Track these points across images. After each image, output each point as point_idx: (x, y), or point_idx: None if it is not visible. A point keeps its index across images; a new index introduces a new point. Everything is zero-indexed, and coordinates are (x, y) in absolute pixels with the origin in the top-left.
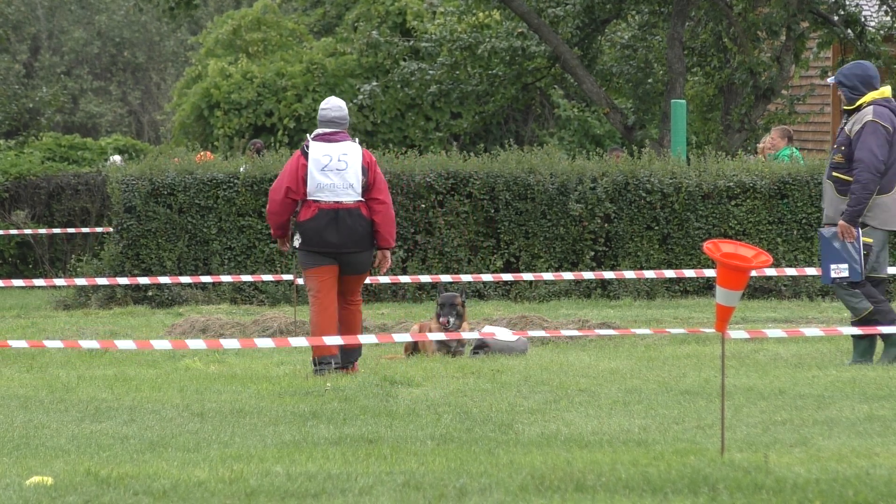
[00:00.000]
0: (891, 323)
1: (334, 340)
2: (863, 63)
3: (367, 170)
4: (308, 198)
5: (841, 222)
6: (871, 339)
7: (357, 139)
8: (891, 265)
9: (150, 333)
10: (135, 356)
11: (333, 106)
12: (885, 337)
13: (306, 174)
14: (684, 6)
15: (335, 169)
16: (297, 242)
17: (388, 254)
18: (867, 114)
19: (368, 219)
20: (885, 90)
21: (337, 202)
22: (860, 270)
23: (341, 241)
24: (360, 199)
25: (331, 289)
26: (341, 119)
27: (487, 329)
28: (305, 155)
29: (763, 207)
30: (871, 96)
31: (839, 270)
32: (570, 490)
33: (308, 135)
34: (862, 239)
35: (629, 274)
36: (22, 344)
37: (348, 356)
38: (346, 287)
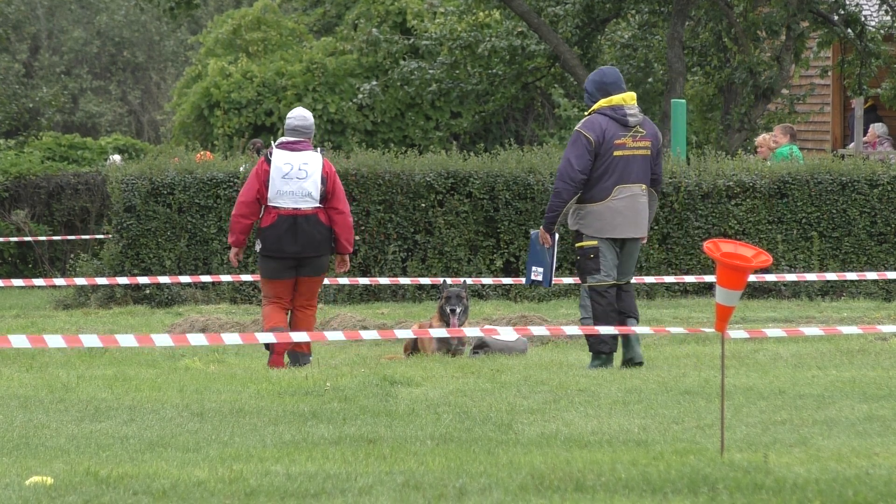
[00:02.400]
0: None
1: (335, 336)
2: (604, 69)
3: (325, 179)
4: (269, 204)
5: (540, 228)
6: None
7: (319, 148)
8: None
9: (150, 333)
10: (135, 356)
11: (297, 116)
12: (590, 347)
13: (268, 180)
14: (684, 6)
15: (295, 177)
16: (258, 247)
17: (346, 257)
18: (579, 123)
19: (327, 225)
20: (616, 98)
21: (295, 209)
22: (550, 277)
23: (300, 247)
24: (319, 206)
25: (284, 296)
26: (304, 129)
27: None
28: (269, 162)
29: (763, 207)
30: (599, 104)
31: (537, 273)
32: (569, 490)
33: (273, 142)
34: (585, 243)
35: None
36: (23, 340)
37: (297, 359)
38: (303, 288)
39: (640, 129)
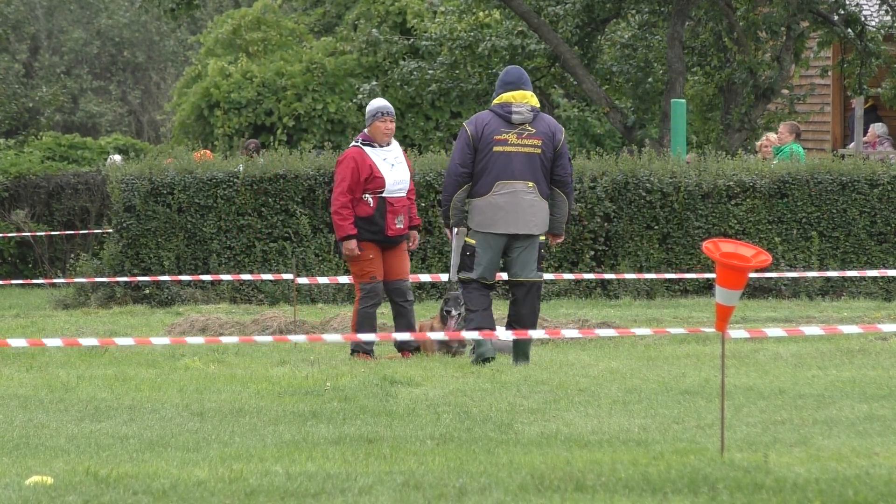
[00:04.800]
0: (475, 329)
1: (332, 338)
2: (509, 68)
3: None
4: None
5: None
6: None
7: (358, 140)
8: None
9: (150, 332)
10: (135, 356)
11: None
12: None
13: None
14: (684, 6)
15: None
16: None
17: (342, 244)
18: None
19: None
20: (506, 95)
21: None
22: (451, 272)
23: None
24: None
25: None
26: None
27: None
28: None
29: (763, 207)
30: (494, 101)
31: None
32: (569, 490)
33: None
34: (465, 240)
35: (629, 275)
36: (21, 343)
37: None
38: None
39: (529, 128)
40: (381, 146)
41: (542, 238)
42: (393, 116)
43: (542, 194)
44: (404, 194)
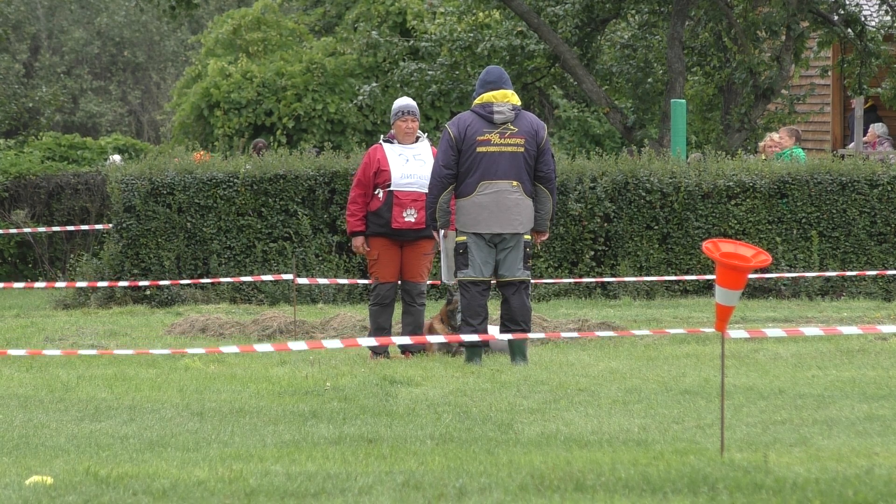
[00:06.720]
0: (470, 345)
1: (332, 344)
2: (490, 68)
3: None
4: None
5: None
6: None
7: (383, 136)
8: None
9: (150, 333)
10: (135, 356)
11: None
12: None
13: None
14: (684, 6)
15: None
16: None
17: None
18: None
19: None
20: (487, 95)
21: None
22: (442, 274)
23: None
24: None
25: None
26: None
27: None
28: None
29: (763, 207)
30: (475, 101)
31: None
32: (569, 490)
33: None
34: (456, 239)
35: (629, 279)
36: (21, 353)
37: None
38: None
39: (511, 127)
40: (404, 144)
41: (528, 237)
42: (415, 115)
43: (527, 192)
44: (417, 189)
